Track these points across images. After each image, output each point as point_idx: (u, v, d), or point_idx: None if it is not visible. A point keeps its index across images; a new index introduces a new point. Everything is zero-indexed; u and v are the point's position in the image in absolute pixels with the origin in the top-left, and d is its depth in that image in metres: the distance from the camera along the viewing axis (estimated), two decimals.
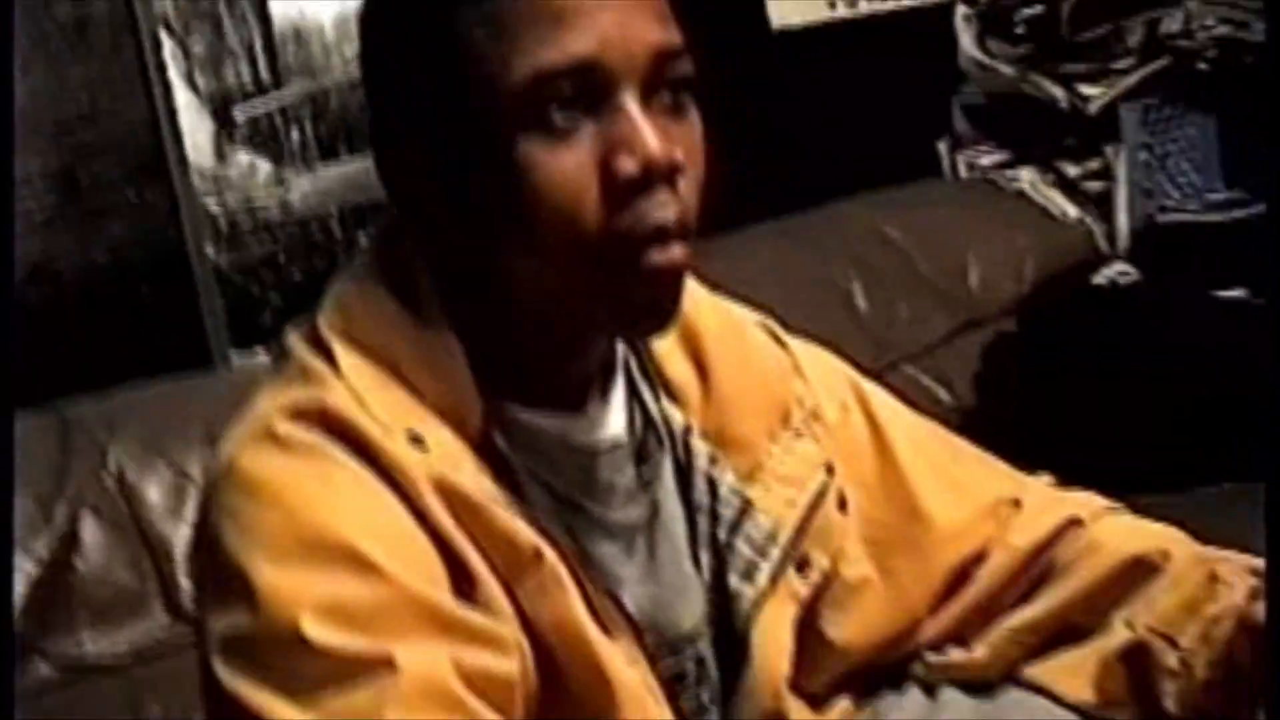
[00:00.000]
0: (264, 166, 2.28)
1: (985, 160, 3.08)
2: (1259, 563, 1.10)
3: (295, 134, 2.30)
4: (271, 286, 2.23)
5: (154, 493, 1.62)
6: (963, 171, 3.09)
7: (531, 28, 0.88)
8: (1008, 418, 2.30)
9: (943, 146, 3.10)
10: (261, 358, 2.18)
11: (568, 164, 0.89)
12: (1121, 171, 2.98)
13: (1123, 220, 2.98)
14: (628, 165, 0.89)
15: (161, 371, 1.79)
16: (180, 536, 1.59)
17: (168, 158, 2.15)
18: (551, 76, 0.88)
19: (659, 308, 0.93)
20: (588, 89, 0.89)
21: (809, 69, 2.80)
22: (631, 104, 0.89)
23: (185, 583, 1.56)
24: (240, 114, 2.27)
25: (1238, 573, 1.08)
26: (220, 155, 2.23)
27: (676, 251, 0.91)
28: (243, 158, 2.26)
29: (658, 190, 0.89)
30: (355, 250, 1.11)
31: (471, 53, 0.89)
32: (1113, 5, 2.96)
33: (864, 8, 2.99)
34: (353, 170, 2.30)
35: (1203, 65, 2.97)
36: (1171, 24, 2.92)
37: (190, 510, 1.59)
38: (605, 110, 0.89)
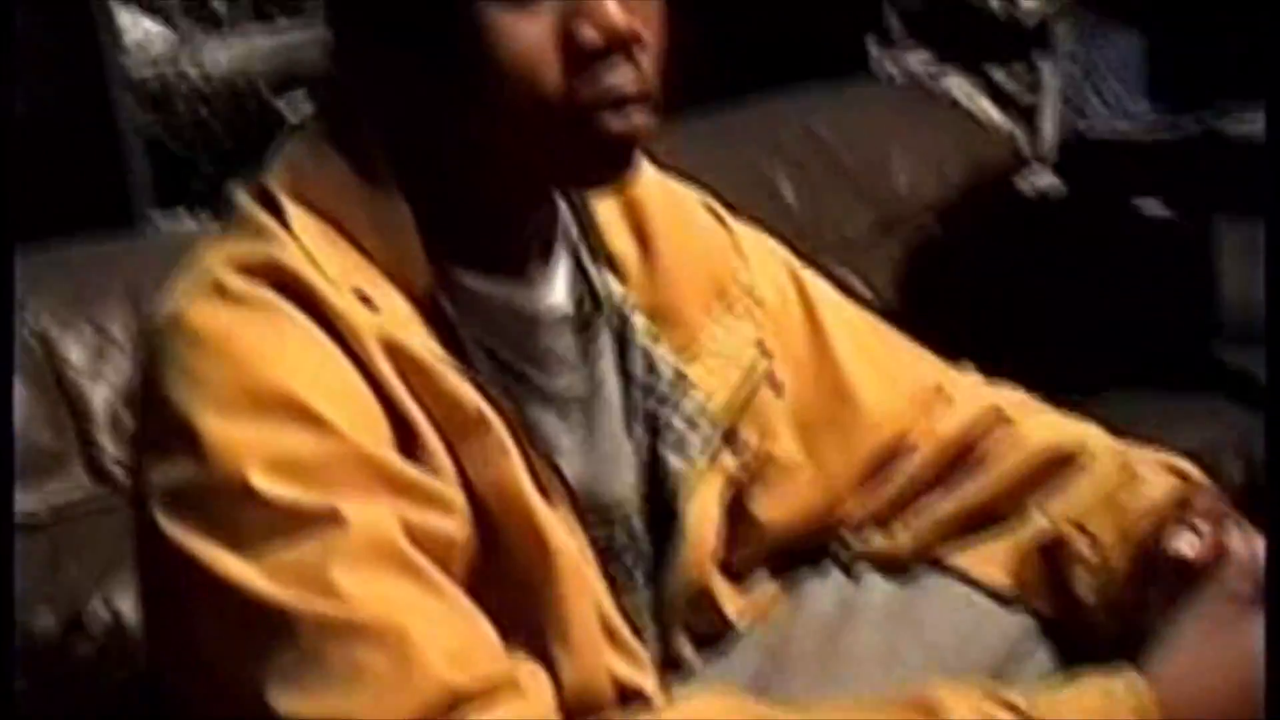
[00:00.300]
0: (192, 30, 2.24)
1: (914, 62, 3.09)
2: (1177, 460, 1.13)
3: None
4: (200, 149, 2.20)
5: (75, 352, 1.59)
6: (892, 70, 3.10)
7: None
8: (926, 315, 2.33)
9: (873, 44, 3.11)
10: (187, 222, 2.16)
11: (530, 31, 0.89)
12: (1050, 82, 3.01)
13: (1048, 130, 3.01)
14: (589, 34, 0.89)
15: (83, 230, 1.76)
16: (101, 397, 1.58)
17: (93, 10, 2.11)
18: None
19: (611, 170, 0.95)
20: None
21: None
22: None
23: (106, 443, 1.55)
24: None
25: (1156, 470, 1.11)
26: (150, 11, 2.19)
27: (635, 118, 0.92)
28: (166, 21, 2.22)
29: (617, 59, 0.90)
30: (283, 116, 1.10)
31: None
32: None
33: None
34: (286, 36, 2.27)
35: None
36: None
37: (111, 371, 1.58)
38: None
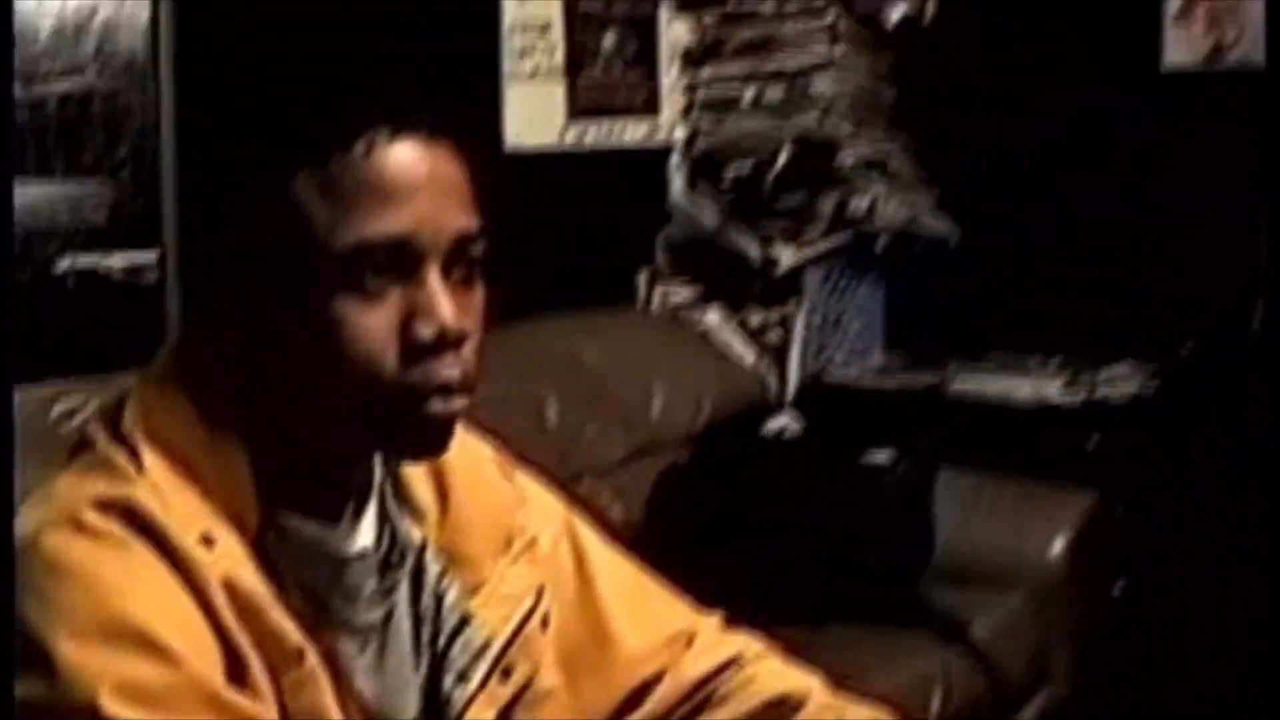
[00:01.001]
0: None
1: (679, 296, 3.33)
2: (883, 716, 1.31)
3: None
4: None
5: None
6: (657, 303, 3.33)
7: (361, 202, 1.03)
8: (673, 540, 2.51)
9: (643, 277, 3.34)
10: None
11: (374, 323, 1.04)
12: (798, 327, 3.27)
13: (793, 371, 3.27)
14: (425, 330, 1.04)
15: None
16: None
17: None
18: (372, 246, 1.03)
19: (432, 447, 1.09)
20: (399, 260, 1.04)
21: (537, 189, 2.98)
22: (434, 276, 1.05)
23: None
24: None
25: None
26: None
27: (456, 404, 1.07)
28: None
29: (447, 352, 1.05)
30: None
31: (304, 213, 1.03)
32: (811, 178, 3.26)
33: (590, 140, 3.21)
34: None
35: (880, 244, 3.31)
36: (860, 204, 3.25)
37: None
38: (411, 279, 1.05)
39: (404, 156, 1.04)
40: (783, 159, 3.24)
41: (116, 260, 2.55)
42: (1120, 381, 3.11)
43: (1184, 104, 3.10)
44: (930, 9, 3.34)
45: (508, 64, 3.02)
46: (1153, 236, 3.10)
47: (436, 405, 1.06)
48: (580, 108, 3.17)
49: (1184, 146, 3.09)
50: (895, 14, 3.36)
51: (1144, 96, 3.09)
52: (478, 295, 1.10)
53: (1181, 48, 3.15)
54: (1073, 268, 3.15)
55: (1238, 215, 3.02)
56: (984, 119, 3.28)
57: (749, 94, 3.33)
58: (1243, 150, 3.01)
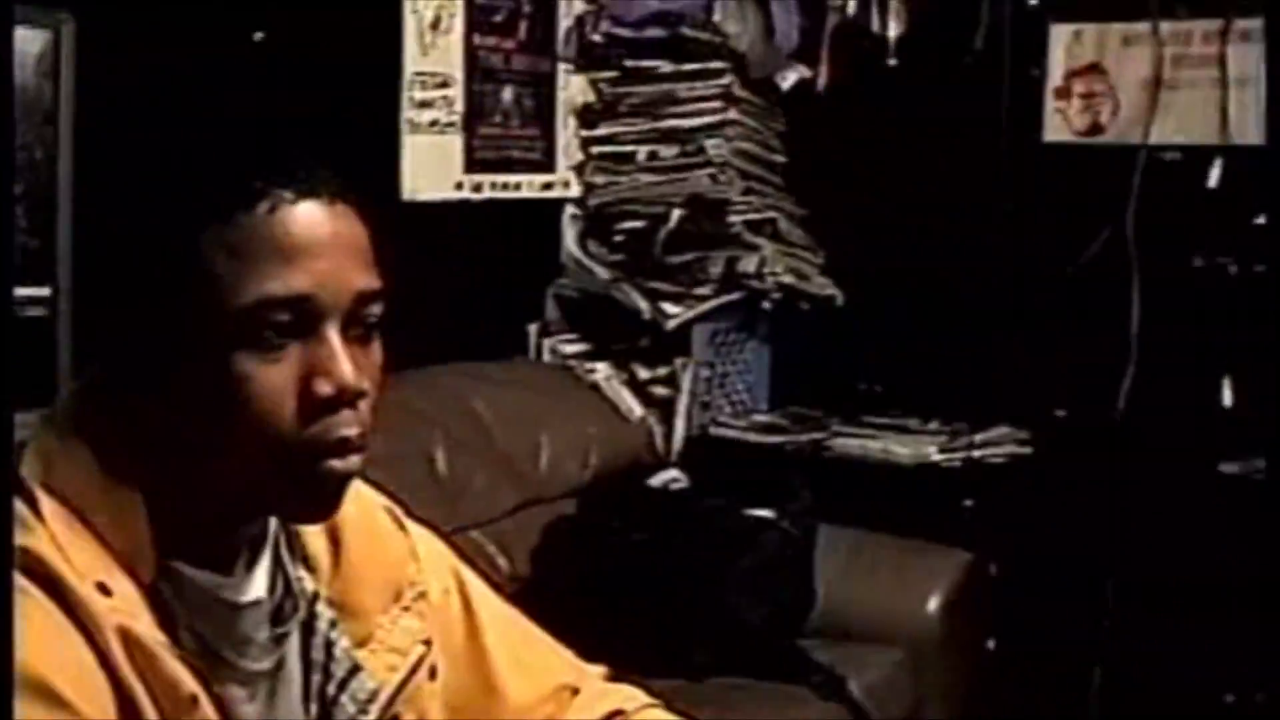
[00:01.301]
0: None
1: (569, 349, 3.37)
2: None
3: None
4: None
5: None
6: (547, 355, 3.37)
7: (263, 261, 1.06)
8: (560, 592, 2.54)
9: (534, 330, 3.38)
10: None
11: (274, 379, 1.06)
12: (686, 383, 3.32)
13: (680, 426, 3.32)
14: (324, 387, 1.07)
15: None
16: None
17: None
18: (273, 304, 1.05)
19: (327, 504, 1.12)
20: (300, 318, 1.07)
21: (433, 240, 3.01)
22: (333, 335, 1.08)
23: None
24: None
25: None
26: None
27: (353, 461, 1.10)
28: None
29: (345, 410, 1.08)
30: None
31: (208, 270, 1.05)
32: (702, 238, 3.33)
33: (486, 193, 3.24)
34: None
35: (767, 304, 3.37)
36: (748, 265, 3.31)
37: None
38: (311, 337, 1.07)
39: (307, 217, 1.08)
40: (674, 217, 3.30)
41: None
42: (997, 444, 3.20)
43: (1062, 177, 3.22)
44: (824, 77, 3.43)
45: (407, 115, 3.05)
46: (1030, 306, 3.20)
47: (334, 462, 1.08)
48: (477, 161, 3.21)
49: (1061, 219, 3.21)
50: (789, 79, 3.44)
51: (1024, 168, 3.20)
52: (375, 353, 1.13)
53: (1060, 123, 3.27)
54: (953, 333, 3.24)
55: (1111, 287, 3.13)
56: (871, 185, 3.37)
57: (643, 152, 3.39)
58: (1117, 223, 3.13)
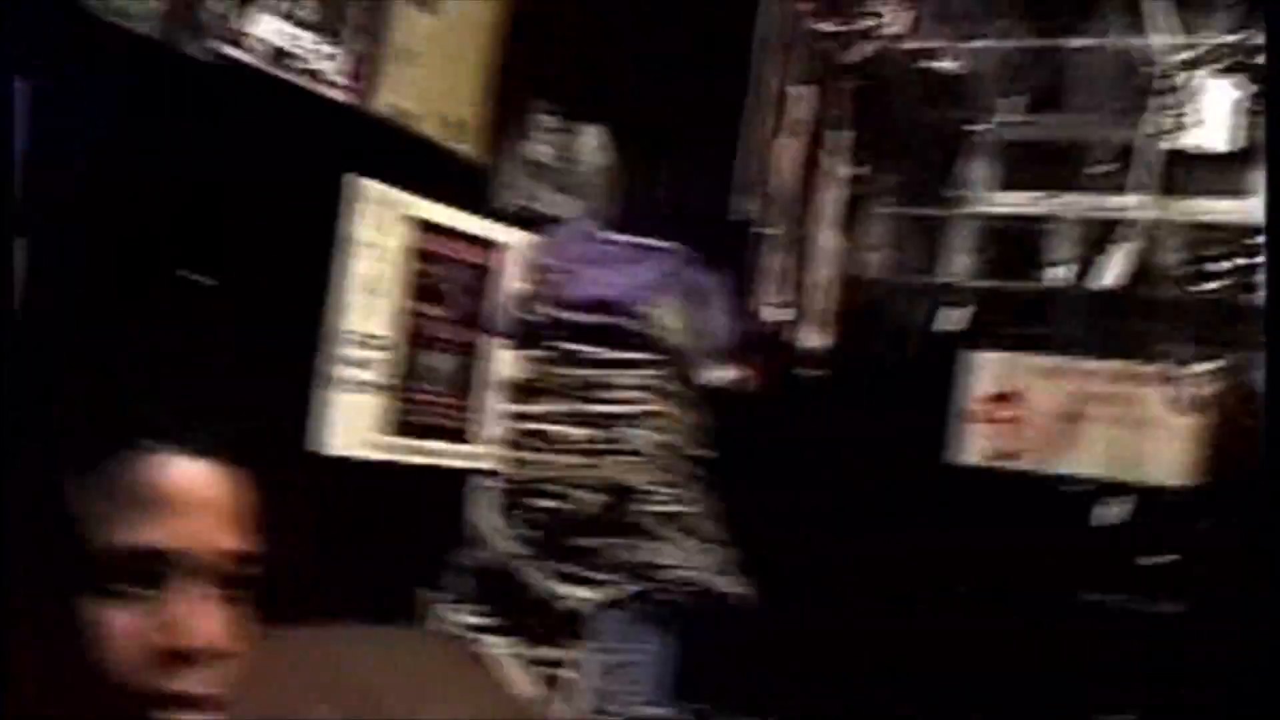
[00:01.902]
0: None
1: (467, 621, 3.31)
2: None
3: None
4: None
5: None
6: (445, 625, 3.30)
7: (130, 510, 1.05)
8: None
9: (432, 597, 3.32)
10: None
11: (128, 628, 1.04)
12: (586, 668, 3.27)
13: (575, 712, 3.24)
14: (175, 642, 1.05)
15: None
16: None
17: None
18: (135, 554, 1.05)
19: None
20: (156, 570, 1.06)
21: (342, 498, 2.98)
22: (191, 590, 1.06)
23: None
24: None
25: None
26: None
27: (196, 718, 1.06)
28: None
29: (198, 667, 1.05)
30: None
31: (75, 513, 1.05)
32: (614, 524, 3.32)
33: (401, 457, 3.23)
34: None
35: (675, 598, 3.35)
36: (658, 555, 3.30)
37: None
38: (168, 590, 1.06)
39: (171, 471, 1.07)
40: (588, 501, 3.29)
41: None
42: None
43: (968, 500, 3.26)
44: (753, 381, 3.49)
45: (334, 370, 3.06)
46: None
47: (172, 716, 1.05)
48: (398, 424, 3.21)
49: (968, 539, 3.23)
50: (718, 378, 3.49)
51: (929, 489, 3.25)
52: (243, 614, 1.11)
53: (966, 447, 3.33)
54: (864, 635, 3.22)
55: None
56: (791, 490, 3.39)
57: (565, 433, 3.40)
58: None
